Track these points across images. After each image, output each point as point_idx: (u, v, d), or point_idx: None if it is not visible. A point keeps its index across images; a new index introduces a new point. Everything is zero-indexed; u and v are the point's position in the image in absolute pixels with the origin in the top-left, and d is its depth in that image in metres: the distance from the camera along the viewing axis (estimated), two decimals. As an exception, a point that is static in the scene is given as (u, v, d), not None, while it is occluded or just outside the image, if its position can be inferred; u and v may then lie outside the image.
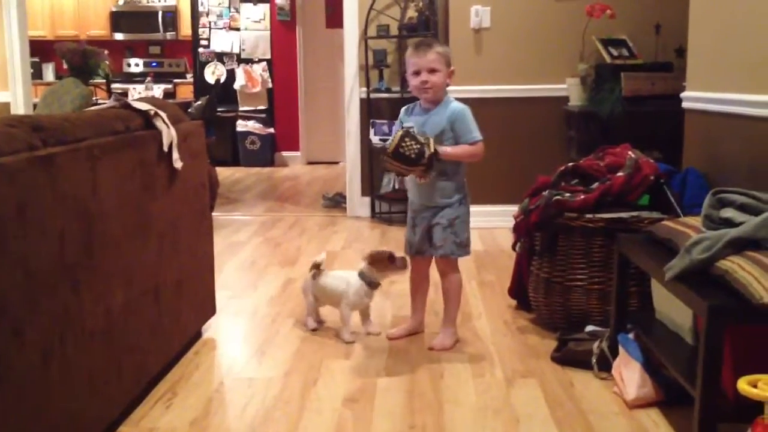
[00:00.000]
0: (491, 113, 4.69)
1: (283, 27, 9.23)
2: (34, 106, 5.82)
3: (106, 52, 6.34)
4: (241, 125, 9.14)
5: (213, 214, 3.17)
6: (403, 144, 2.68)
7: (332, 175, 8.34)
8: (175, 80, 9.94)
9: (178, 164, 2.60)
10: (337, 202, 6.22)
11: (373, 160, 5.62)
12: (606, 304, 2.86)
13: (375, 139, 5.55)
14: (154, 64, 10.25)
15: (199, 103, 7.24)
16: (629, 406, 2.39)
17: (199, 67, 9.36)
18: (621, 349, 2.56)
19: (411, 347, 2.98)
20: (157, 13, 9.97)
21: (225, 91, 9.16)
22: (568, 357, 2.75)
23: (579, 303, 2.97)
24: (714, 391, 1.90)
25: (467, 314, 3.34)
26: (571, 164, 3.20)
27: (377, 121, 5.60)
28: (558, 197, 2.98)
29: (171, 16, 9.98)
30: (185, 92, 9.68)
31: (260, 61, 9.30)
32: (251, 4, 9.27)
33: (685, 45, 3.63)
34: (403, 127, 2.81)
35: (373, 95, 5.65)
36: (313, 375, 2.70)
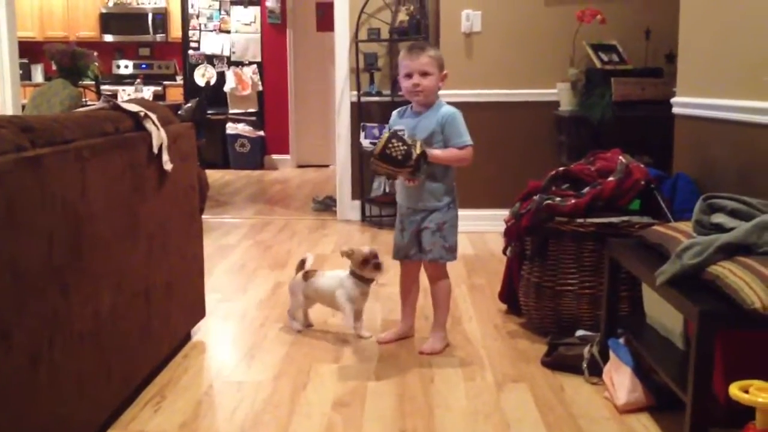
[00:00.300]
0: (482, 117, 4.69)
1: (273, 30, 9.22)
2: (23, 107, 5.78)
3: (95, 53, 6.30)
4: (231, 128, 9.11)
5: (202, 216, 3.15)
6: (390, 145, 2.68)
7: (322, 179, 8.33)
8: (165, 82, 9.91)
9: (168, 166, 2.59)
10: (327, 205, 6.21)
11: (363, 164, 5.61)
12: (596, 308, 2.86)
13: (365, 143, 5.54)
14: (143, 66, 10.21)
15: (188, 105, 7.21)
16: (620, 411, 2.39)
17: (188, 70, 9.33)
18: (611, 354, 2.56)
19: (401, 351, 2.97)
20: (146, 14, 9.94)
21: (215, 94, 9.14)
22: (558, 361, 2.75)
23: (569, 307, 2.97)
24: (705, 397, 1.90)
25: (457, 318, 3.34)
26: (562, 169, 3.20)
27: (368, 124, 5.59)
28: (549, 202, 2.98)
29: (161, 18, 9.95)
30: (175, 94, 9.65)
31: (250, 63, 9.29)
32: (242, 7, 9.26)
33: (675, 51, 3.64)
34: (390, 130, 2.81)
35: (363, 99, 5.64)
36: (302, 379, 2.69)
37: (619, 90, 4.50)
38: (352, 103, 5.68)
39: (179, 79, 9.84)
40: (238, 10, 9.26)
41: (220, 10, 9.30)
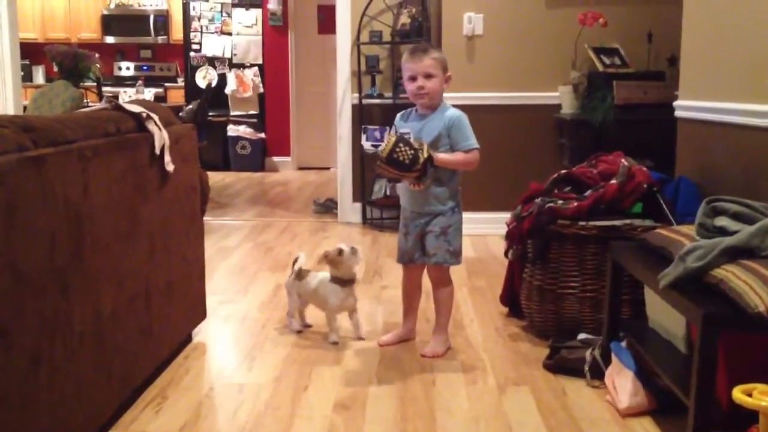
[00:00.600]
0: (483, 120, 4.66)
1: (275, 32, 9.22)
2: (24, 108, 5.78)
3: (96, 55, 6.30)
4: (232, 130, 9.11)
5: (203, 218, 3.15)
6: (397, 149, 2.67)
7: (323, 181, 8.32)
8: (166, 84, 9.91)
9: (169, 167, 2.58)
10: (328, 207, 6.20)
11: (364, 166, 5.61)
12: (598, 311, 2.85)
13: (367, 145, 5.53)
14: (145, 67, 10.22)
15: (190, 107, 7.21)
16: (622, 415, 2.38)
17: (190, 72, 9.33)
18: (613, 358, 2.55)
19: (403, 354, 2.96)
20: (148, 16, 9.94)
21: (216, 96, 9.11)
22: (560, 365, 2.74)
23: (571, 310, 2.96)
24: (708, 400, 1.89)
25: (459, 321, 3.33)
26: (564, 171, 3.20)
27: (369, 126, 5.59)
28: (551, 204, 2.97)
29: (162, 19, 9.95)
30: (176, 96, 9.65)
31: (252, 66, 9.29)
32: (243, 9, 9.26)
33: (678, 54, 3.64)
34: (397, 133, 2.80)
35: (365, 101, 5.64)
36: (303, 381, 2.68)
37: (621, 93, 4.49)
38: (354, 106, 5.68)
39: (180, 81, 9.85)
40: (239, 13, 9.27)
41: (221, 12, 9.30)
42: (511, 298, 3.38)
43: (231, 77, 9.23)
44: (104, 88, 7.60)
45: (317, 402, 2.51)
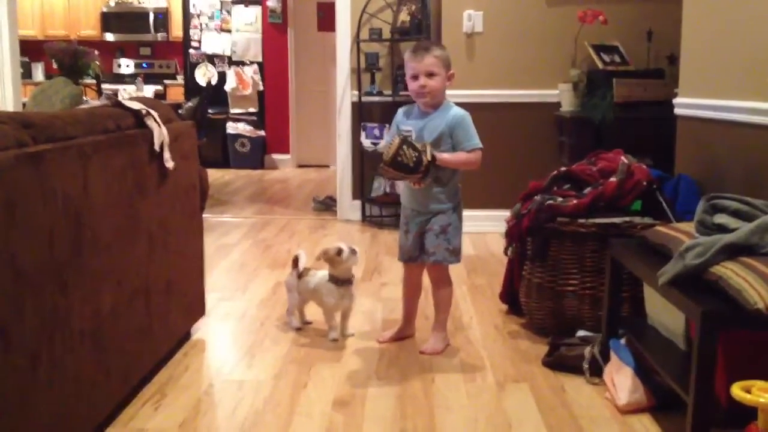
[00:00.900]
0: (483, 118, 4.63)
1: (274, 29, 9.21)
2: (23, 105, 5.78)
3: (96, 52, 6.30)
4: (232, 127, 9.10)
5: (203, 215, 3.14)
6: (401, 152, 2.66)
7: (323, 179, 8.32)
8: (166, 81, 9.91)
9: (169, 164, 2.58)
10: (327, 205, 6.20)
11: (364, 164, 5.61)
12: (598, 309, 2.85)
13: (366, 143, 5.54)
14: (144, 65, 10.21)
15: (189, 104, 7.20)
16: (621, 412, 2.39)
17: (189, 69, 9.33)
18: (613, 355, 2.55)
19: (402, 351, 2.96)
20: (148, 14, 9.93)
21: (216, 93, 9.11)
22: (559, 362, 2.74)
23: (571, 308, 2.96)
24: (707, 397, 1.89)
25: (458, 319, 3.33)
26: (563, 169, 3.20)
27: (368, 124, 5.59)
28: (550, 202, 2.97)
29: (162, 17, 9.94)
30: (176, 94, 9.64)
31: (251, 63, 9.28)
32: (243, 6, 9.24)
33: (677, 52, 3.64)
34: (400, 132, 2.79)
35: (364, 98, 5.63)
36: (303, 378, 2.68)
37: (621, 91, 4.49)
38: (353, 103, 5.67)
39: (180, 79, 9.83)
40: (239, 10, 9.25)
41: (221, 9, 9.29)
42: (510, 296, 3.39)
43: (230, 75, 9.22)
44: (104, 86, 7.59)
45: (317, 399, 2.51)
